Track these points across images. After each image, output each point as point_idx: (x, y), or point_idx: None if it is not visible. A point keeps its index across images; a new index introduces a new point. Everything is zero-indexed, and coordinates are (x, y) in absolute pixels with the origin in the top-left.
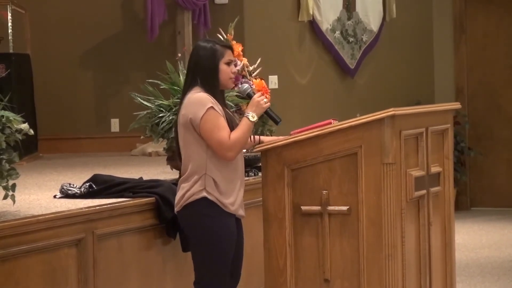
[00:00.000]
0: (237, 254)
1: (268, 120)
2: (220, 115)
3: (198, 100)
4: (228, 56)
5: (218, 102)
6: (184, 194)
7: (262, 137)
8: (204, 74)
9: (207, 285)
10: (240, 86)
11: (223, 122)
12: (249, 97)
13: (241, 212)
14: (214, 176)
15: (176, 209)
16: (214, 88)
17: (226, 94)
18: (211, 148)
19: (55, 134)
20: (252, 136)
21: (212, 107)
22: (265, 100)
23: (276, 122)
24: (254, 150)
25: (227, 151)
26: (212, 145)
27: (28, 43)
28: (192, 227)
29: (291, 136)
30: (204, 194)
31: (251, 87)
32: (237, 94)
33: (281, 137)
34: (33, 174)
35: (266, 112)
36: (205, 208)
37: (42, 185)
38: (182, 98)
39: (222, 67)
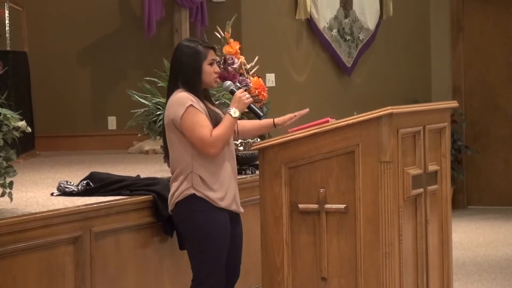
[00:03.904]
0: (234, 250)
1: (265, 118)
2: (200, 112)
3: (178, 100)
4: (210, 56)
5: (201, 100)
6: (174, 192)
7: (276, 120)
8: (187, 75)
9: (203, 281)
10: (223, 83)
11: (203, 120)
12: (231, 93)
13: (235, 207)
14: (200, 173)
15: (169, 208)
16: (196, 88)
17: (223, 93)
18: (194, 145)
19: (52, 132)
20: (236, 130)
21: (191, 105)
22: (247, 95)
23: (259, 117)
24: (252, 148)
25: (209, 147)
26: (194, 143)
27: (25, 41)
28: (184, 224)
29: (289, 134)
30: (192, 191)
31: (248, 85)
32: None
33: (291, 115)
34: (30, 172)
35: (248, 107)
36: (194, 204)
37: (39, 183)
38: (167, 100)
39: (206, 67)
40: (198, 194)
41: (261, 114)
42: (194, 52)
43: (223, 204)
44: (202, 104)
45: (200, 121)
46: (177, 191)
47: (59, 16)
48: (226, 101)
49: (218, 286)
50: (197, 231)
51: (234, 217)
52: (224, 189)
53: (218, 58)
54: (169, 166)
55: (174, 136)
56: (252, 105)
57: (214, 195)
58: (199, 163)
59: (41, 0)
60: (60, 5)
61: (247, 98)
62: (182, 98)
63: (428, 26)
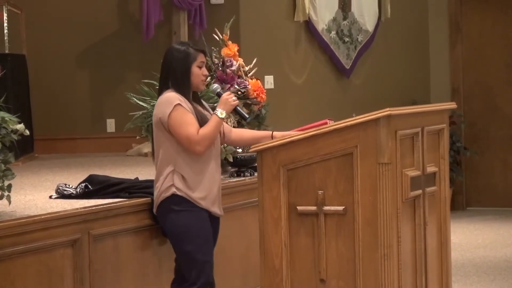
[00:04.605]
0: None
1: (263, 121)
2: (188, 111)
3: (166, 99)
4: (200, 59)
5: (189, 101)
6: (157, 194)
7: (275, 133)
8: (176, 76)
9: (195, 280)
10: (210, 86)
11: (191, 118)
12: (218, 96)
13: (215, 210)
14: (182, 172)
15: (154, 211)
16: (185, 89)
17: None
18: (180, 143)
19: (51, 135)
20: (221, 131)
21: (179, 104)
22: (234, 98)
23: (245, 119)
24: (250, 150)
25: (195, 145)
26: (181, 140)
27: (23, 44)
28: (167, 225)
29: (289, 136)
30: (173, 190)
31: (247, 87)
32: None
33: (292, 132)
34: (29, 175)
35: (235, 109)
36: (175, 204)
37: (38, 186)
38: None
39: (194, 70)
40: (179, 193)
41: (247, 116)
42: (184, 54)
43: (204, 204)
44: (189, 104)
45: (187, 120)
46: (159, 192)
47: (57, 18)
48: None
49: (211, 284)
50: (179, 231)
51: (213, 219)
52: (206, 189)
53: (216, 61)
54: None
55: (162, 134)
56: (238, 108)
57: (195, 195)
58: (185, 161)
59: (39, 3)
60: (59, 7)
61: (234, 100)
62: (170, 97)
63: (427, 28)
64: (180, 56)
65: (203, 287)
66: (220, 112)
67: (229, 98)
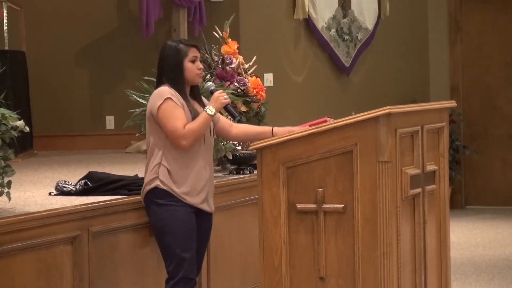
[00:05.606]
0: (198, 248)
1: (263, 118)
2: (177, 106)
3: (158, 92)
4: (192, 53)
5: (184, 96)
6: (143, 185)
7: (275, 129)
8: (170, 72)
9: (174, 274)
10: (205, 84)
11: (180, 113)
12: (211, 93)
13: (203, 206)
14: (168, 165)
15: (141, 201)
16: (179, 84)
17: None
18: (167, 137)
19: (51, 132)
20: (210, 128)
21: (170, 98)
22: (225, 96)
23: (234, 117)
24: (249, 147)
25: (180, 139)
26: (167, 134)
27: (23, 40)
28: (150, 216)
29: (292, 133)
30: (157, 182)
31: (246, 84)
32: (233, 91)
33: (295, 128)
34: (28, 171)
35: (225, 107)
36: (158, 197)
37: (37, 182)
38: None
39: (187, 64)
40: (162, 186)
41: (236, 115)
42: (175, 50)
43: (189, 199)
44: (181, 99)
45: (176, 114)
46: (145, 183)
47: (57, 15)
48: None
49: (189, 279)
50: (159, 224)
51: (203, 215)
52: (191, 185)
53: (215, 59)
54: None
55: (152, 127)
56: (229, 106)
57: (179, 190)
58: (171, 155)
59: (39, 0)
60: (58, 4)
61: (225, 99)
62: (161, 91)
63: (426, 26)
64: (172, 53)
65: (182, 282)
66: (210, 109)
67: (221, 96)
